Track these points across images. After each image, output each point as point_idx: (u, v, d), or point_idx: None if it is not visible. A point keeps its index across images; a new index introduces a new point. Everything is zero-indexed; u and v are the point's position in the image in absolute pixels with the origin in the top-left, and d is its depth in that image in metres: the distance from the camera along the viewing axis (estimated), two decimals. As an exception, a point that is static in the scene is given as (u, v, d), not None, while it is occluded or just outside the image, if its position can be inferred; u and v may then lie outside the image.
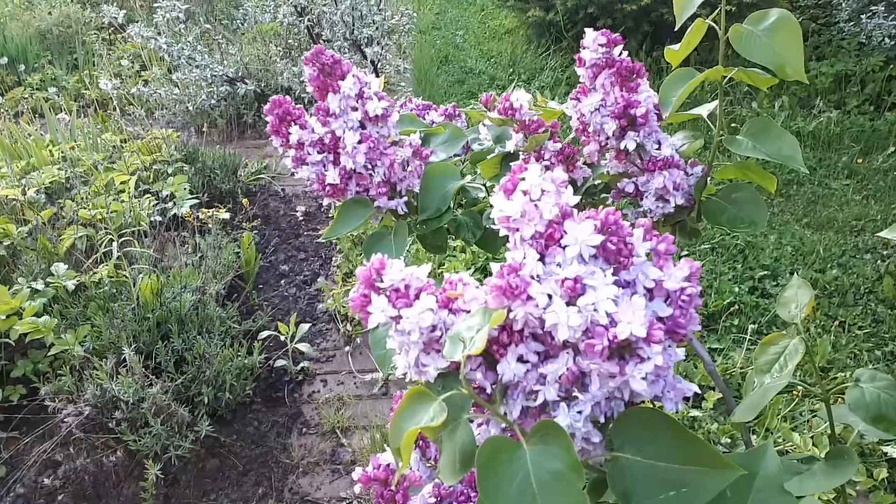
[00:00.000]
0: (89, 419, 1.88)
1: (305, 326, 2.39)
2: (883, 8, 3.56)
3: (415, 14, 4.19)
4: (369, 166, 0.81)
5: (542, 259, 0.49)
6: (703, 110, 0.79)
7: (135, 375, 1.91)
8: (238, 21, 4.37)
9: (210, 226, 2.69)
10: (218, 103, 3.96)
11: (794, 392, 2.01)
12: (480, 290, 0.50)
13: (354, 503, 1.85)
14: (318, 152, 0.81)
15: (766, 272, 2.57)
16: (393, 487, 0.55)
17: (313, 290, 2.72)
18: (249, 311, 2.55)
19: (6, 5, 5.49)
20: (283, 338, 2.33)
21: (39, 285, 2.14)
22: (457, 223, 0.86)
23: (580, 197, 0.58)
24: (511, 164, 0.85)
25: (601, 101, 0.73)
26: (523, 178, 0.49)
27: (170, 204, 2.82)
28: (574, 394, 0.49)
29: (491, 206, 0.91)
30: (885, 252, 2.65)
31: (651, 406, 0.53)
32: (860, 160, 3.26)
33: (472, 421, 0.51)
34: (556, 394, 0.49)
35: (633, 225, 0.51)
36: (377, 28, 3.88)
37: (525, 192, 0.49)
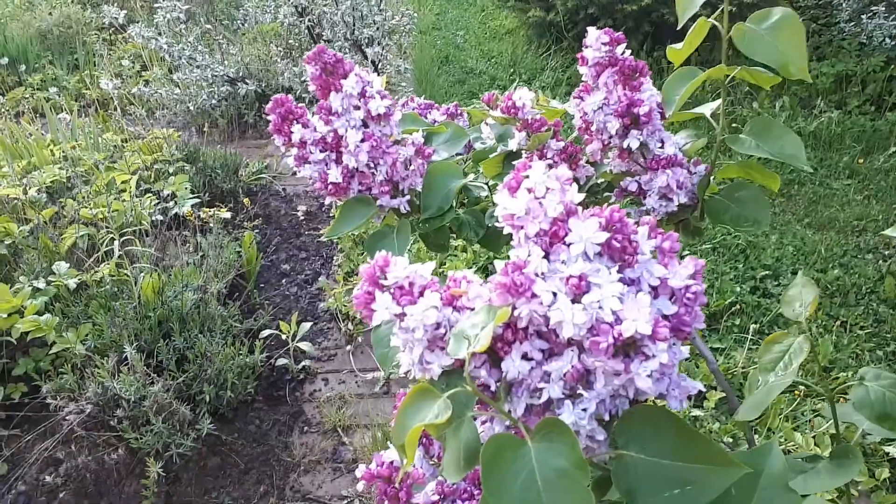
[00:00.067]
0: (91, 417, 1.88)
1: (307, 325, 2.39)
2: (883, 8, 3.56)
3: (415, 14, 4.19)
4: (372, 165, 0.81)
5: (546, 257, 0.49)
6: (706, 109, 0.79)
7: (136, 374, 1.91)
8: (239, 21, 4.37)
9: (211, 225, 2.69)
10: (219, 103, 3.96)
11: (796, 392, 2.01)
12: (484, 287, 0.50)
13: (356, 501, 1.85)
14: (321, 151, 0.81)
15: (767, 272, 2.57)
16: (397, 484, 0.55)
17: (314, 289, 2.72)
18: (251, 309, 2.55)
19: (7, 6, 5.50)
20: (284, 337, 2.33)
21: (41, 284, 2.14)
22: (459, 222, 0.86)
23: (584, 195, 0.58)
24: (514, 162, 0.85)
25: (604, 99, 0.73)
26: (527, 176, 0.49)
27: (171, 203, 2.82)
28: (579, 391, 0.49)
29: (493, 204, 0.92)
30: (886, 252, 2.65)
31: (655, 404, 0.53)
32: (861, 160, 3.26)
33: (475, 418, 0.51)
34: (561, 391, 0.49)
35: (637, 223, 0.51)
36: (378, 28, 3.88)
37: (529, 190, 0.49)
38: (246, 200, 3.18)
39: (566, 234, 0.48)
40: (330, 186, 0.82)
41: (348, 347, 2.42)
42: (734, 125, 3.23)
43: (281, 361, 2.28)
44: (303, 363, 2.30)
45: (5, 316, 1.97)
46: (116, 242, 2.37)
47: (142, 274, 2.25)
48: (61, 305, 2.16)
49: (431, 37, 5.31)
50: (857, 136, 3.40)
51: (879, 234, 2.67)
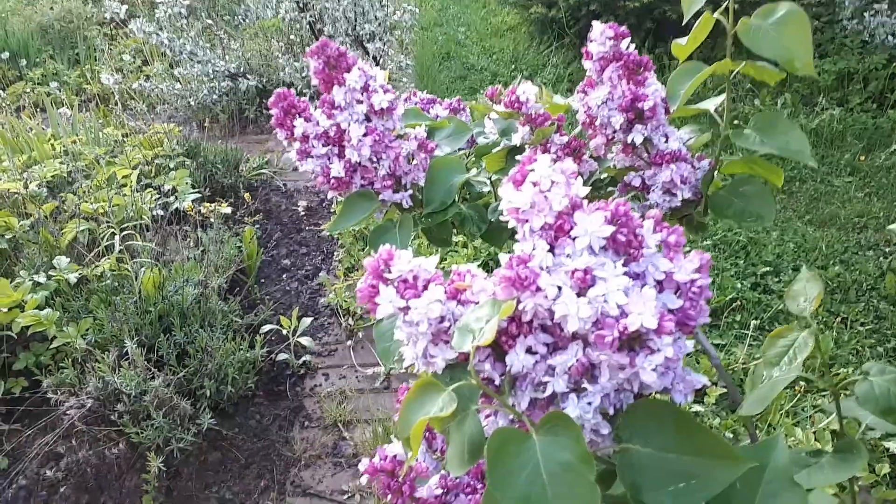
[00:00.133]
0: (91, 412, 1.88)
1: (307, 320, 2.39)
2: (886, 6, 3.56)
3: (417, 10, 4.18)
4: (374, 159, 0.81)
5: (551, 250, 0.49)
6: (710, 104, 0.78)
7: (137, 368, 1.91)
8: (240, 17, 4.36)
9: (212, 220, 2.69)
10: (219, 98, 3.95)
11: (797, 388, 2.01)
12: (489, 281, 0.50)
13: (356, 496, 1.85)
14: (323, 145, 0.81)
15: (768, 268, 2.57)
16: (401, 478, 0.55)
17: (315, 284, 2.72)
18: (251, 305, 2.55)
19: (8, 0, 5.48)
20: (284, 332, 2.33)
21: (41, 278, 2.14)
22: (462, 217, 0.86)
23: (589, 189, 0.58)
24: (517, 157, 0.85)
25: (608, 94, 0.72)
26: (533, 169, 0.49)
27: (171, 198, 2.82)
28: (583, 385, 0.49)
29: (496, 199, 0.92)
30: (887, 249, 2.65)
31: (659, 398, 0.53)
32: (863, 157, 3.26)
33: (479, 412, 0.51)
34: (566, 385, 0.48)
35: (642, 217, 0.51)
36: (379, 24, 3.87)
37: (535, 183, 0.49)
38: (246, 195, 3.18)
39: (571, 228, 0.48)
40: (332, 181, 0.82)
41: (349, 343, 2.42)
42: (736, 122, 3.22)
43: (281, 356, 2.28)
44: (303, 358, 2.30)
45: (6, 310, 1.97)
46: (117, 237, 2.36)
47: (142, 269, 2.25)
48: (62, 300, 2.16)
49: (433, 33, 5.30)
50: (859, 133, 3.40)
51: (887, 229, 2.67)
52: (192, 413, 1.91)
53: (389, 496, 0.59)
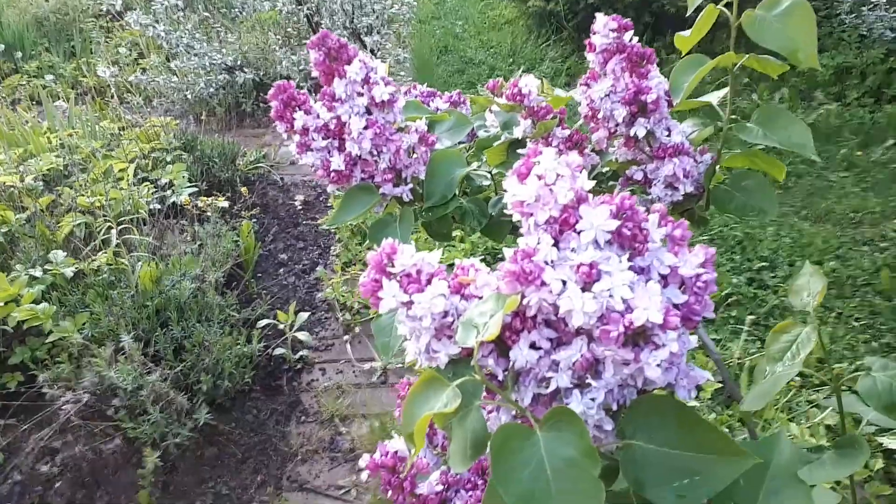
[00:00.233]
0: (87, 406, 1.87)
1: (304, 315, 2.39)
2: (884, 0, 3.55)
3: (414, 3, 4.16)
4: (375, 152, 0.80)
5: (556, 244, 0.48)
6: (713, 98, 0.78)
7: (133, 363, 1.90)
8: (237, 9, 4.34)
9: (209, 214, 2.68)
10: (216, 91, 3.93)
11: (792, 382, 2.02)
12: (493, 275, 0.50)
13: (353, 491, 1.85)
14: (323, 138, 0.80)
15: (764, 263, 2.57)
16: (404, 474, 0.54)
17: (312, 278, 2.72)
18: (248, 299, 2.54)
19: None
20: (281, 326, 2.33)
21: (38, 272, 2.13)
22: (462, 211, 0.85)
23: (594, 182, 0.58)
24: (518, 150, 0.85)
25: (612, 86, 0.72)
26: (538, 162, 0.49)
27: (168, 192, 2.80)
28: (587, 381, 0.48)
29: (496, 193, 0.91)
30: (882, 244, 2.65)
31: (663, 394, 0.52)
32: (859, 152, 3.26)
33: (482, 408, 0.51)
34: (569, 381, 0.48)
35: (647, 211, 0.50)
36: (377, 17, 3.86)
37: (539, 177, 0.48)
38: (244, 189, 3.17)
39: (576, 222, 0.48)
40: (332, 174, 0.81)
41: (346, 337, 2.42)
42: (733, 116, 3.22)
43: (278, 351, 2.27)
44: (300, 353, 2.30)
45: (2, 304, 1.96)
46: (114, 231, 2.35)
47: (139, 263, 2.24)
48: (58, 294, 2.15)
49: (431, 26, 5.28)
50: (856, 128, 3.40)
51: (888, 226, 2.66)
52: (188, 408, 1.91)
53: (390, 492, 0.58)
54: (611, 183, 0.81)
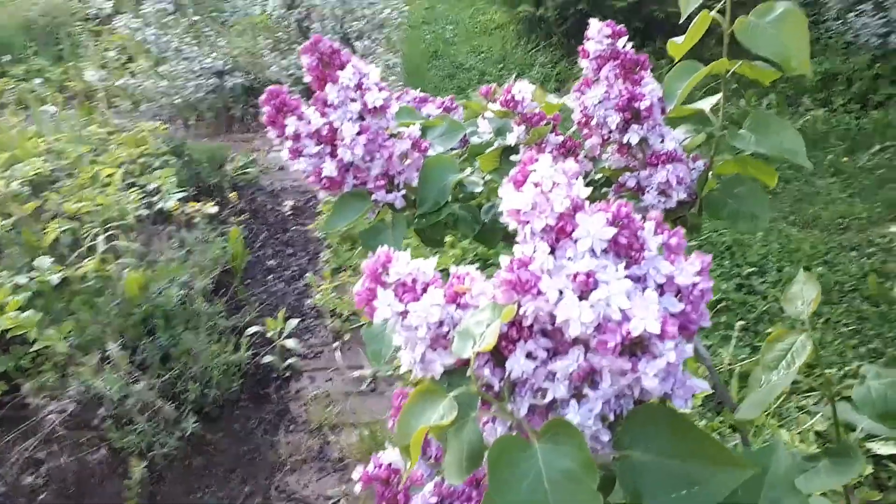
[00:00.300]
0: (73, 416, 1.85)
1: (293, 322, 2.37)
2: (870, 7, 3.59)
3: (405, 8, 4.17)
4: (367, 159, 0.79)
5: (552, 253, 0.48)
6: (706, 104, 0.78)
7: (120, 372, 1.88)
8: (227, 13, 4.32)
9: (197, 220, 2.66)
10: (205, 96, 3.91)
11: (782, 389, 2.02)
12: (489, 284, 0.49)
13: (342, 501, 1.84)
14: (316, 144, 0.79)
15: (753, 269, 2.58)
16: (400, 487, 0.53)
17: (301, 285, 2.70)
18: (237, 306, 2.52)
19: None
20: (270, 334, 2.31)
21: (23, 279, 2.10)
22: (455, 217, 0.85)
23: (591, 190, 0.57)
24: (511, 157, 0.84)
25: (605, 93, 0.72)
26: (534, 170, 0.48)
27: (156, 197, 2.78)
28: (584, 391, 0.48)
29: (488, 199, 0.91)
30: (869, 250, 2.67)
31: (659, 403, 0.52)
32: (846, 158, 3.28)
33: (477, 419, 0.50)
34: (566, 391, 0.47)
35: (643, 219, 0.50)
36: (367, 22, 3.86)
37: (536, 184, 0.48)
38: (232, 195, 3.15)
39: (573, 230, 0.47)
40: (324, 180, 0.80)
41: (335, 345, 2.40)
42: (722, 122, 3.23)
43: (267, 359, 2.25)
44: (289, 361, 2.28)
45: (-14, 312, 1.94)
46: (101, 237, 2.33)
47: (126, 270, 2.22)
48: (43, 302, 2.12)
49: (421, 31, 5.28)
50: (842, 134, 3.42)
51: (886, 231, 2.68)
52: (175, 417, 1.89)
53: (383, 504, 0.57)
54: (604, 189, 0.80)
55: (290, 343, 2.29)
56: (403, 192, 0.83)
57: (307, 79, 0.79)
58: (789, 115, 3.57)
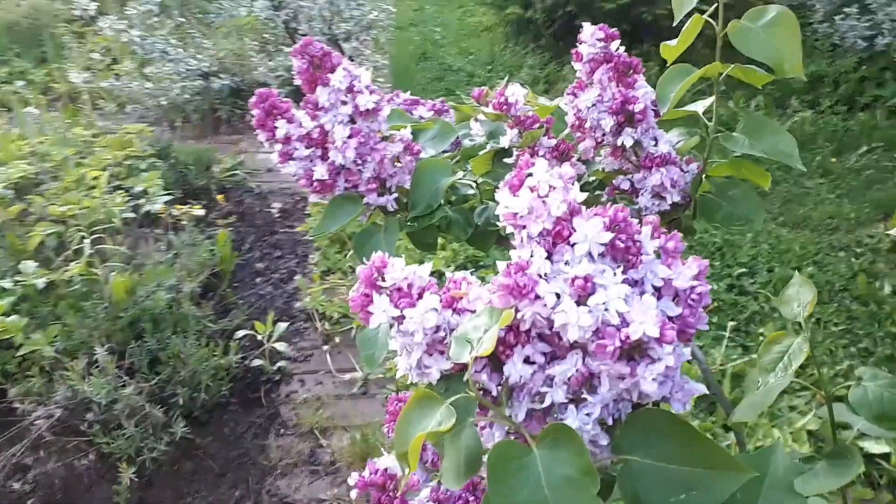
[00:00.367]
0: (60, 421, 1.83)
1: (283, 325, 2.36)
2: (856, 9, 3.62)
3: (393, 9, 4.16)
4: (359, 162, 0.79)
5: (549, 257, 0.47)
6: (699, 107, 0.78)
7: (107, 376, 1.86)
8: (213, 15, 4.29)
9: (184, 223, 2.64)
10: (191, 98, 3.88)
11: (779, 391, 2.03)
12: (485, 289, 0.49)
13: (334, 504, 1.83)
14: (306, 147, 0.79)
15: (743, 270, 2.59)
16: (399, 494, 0.53)
17: (290, 288, 2.68)
18: (225, 309, 2.50)
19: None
20: (259, 337, 2.29)
21: (7, 284, 2.08)
22: (448, 220, 0.84)
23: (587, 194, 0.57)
24: (504, 160, 0.84)
25: (598, 96, 0.71)
26: (530, 174, 0.48)
27: (143, 200, 2.76)
28: (582, 395, 0.47)
29: (481, 202, 0.90)
30: (858, 250, 2.69)
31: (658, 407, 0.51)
32: (834, 159, 3.31)
33: (475, 424, 0.50)
34: (564, 396, 0.47)
35: (640, 222, 0.50)
36: (355, 23, 3.84)
37: (532, 188, 0.47)
38: (219, 197, 3.13)
39: (570, 234, 0.47)
40: (315, 184, 0.80)
41: (325, 347, 2.39)
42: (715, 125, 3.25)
43: (256, 362, 2.24)
44: (278, 364, 2.27)
45: (-30, 317, 1.91)
46: (87, 240, 2.30)
47: (113, 273, 2.19)
48: (29, 306, 2.09)
49: (409, 33, 5.27)
50: (830, 135, 3.45)
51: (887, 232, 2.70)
52: (164, 421, 1.87)
53: (379, 511, 0.57)
54: (597, 192, 0.80)
55: (280, 346, 2.28)
56: (395, 195, 0.82)
57: (297, 81, 0.79)
58: (777, 116, 3.60)
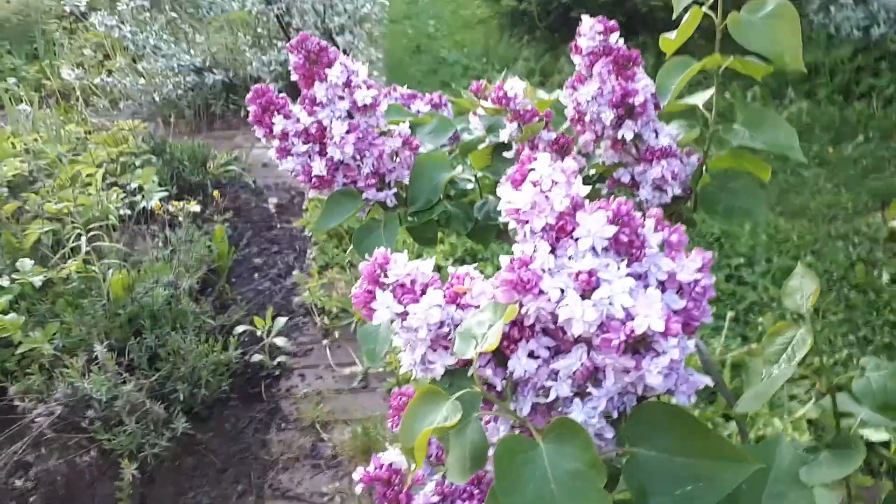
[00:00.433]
0: (61, 419, 1.83)
1: (282, 320, 2.35)
2: (851, 0, 3.62)
3: (386, 2, 4.14)
4: (357, 157, 0.79)
5: (552, 252, 0.47)
6: (699, 100, 0.78)
7: (107, 373, 1.85)
8: (205, 9, 4.26)
9: (180, 219, 2.63)
10: (185, 93, 3.86)
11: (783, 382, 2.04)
12: (488, 284, 0.49)
13: (336, 498, 1.83)
14: (304, 143, 0.78)
15: (742, 260, 2.60)
16: (404, 490, 0.53)
17: (288, 283, 2.68)
18: (224, 305, 2.50)
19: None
20: (259, 332, 2.29)
21: (5, 282, 2.07)
22: (448, 215, 0.84)
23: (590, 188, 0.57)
24: (503, 154, 0.84)
25: (598, 89, 0.71)
26: (533, 169, 0.48)
27: (138, 197, 2.74)
28: (587, 389, 0.48)
29: (480, 196, 0.90)
30: (856, 239, 2.70)
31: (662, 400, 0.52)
32: (831, 149, 3.31)
33: (480, 419, 0.50)
34: (570, 390, 0.47)
35: (643, 216, 0.50)
36: (349, 17, 3.83)
37: (535, 183, 0.47)
38: (215, 193, 3.11)
39: (573, 229, 0.47)
40: (314, 179, 0.80)
41: (325, 342, 2.39)
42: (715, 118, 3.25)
43: (256, 358, 2.24)
44: (278, 359, 2.27)
45: (-32, 316, 1.90)
46: (83, 238, 2.29)
47: (110, 270, 2.19)
48: (26, 304, 2.09)
49: (403, 25, 5.25)
50: (827, 125, 3.45)
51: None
52: (165, 418, 1.87)
53: (384, 505, 0.57)
54: (597, 186, 0.80)
55: (280, 341, 2.28)
56: (395, 190, 0.82)
57: (294, 77, 0.78)
58: (774, 106, 3.60)
